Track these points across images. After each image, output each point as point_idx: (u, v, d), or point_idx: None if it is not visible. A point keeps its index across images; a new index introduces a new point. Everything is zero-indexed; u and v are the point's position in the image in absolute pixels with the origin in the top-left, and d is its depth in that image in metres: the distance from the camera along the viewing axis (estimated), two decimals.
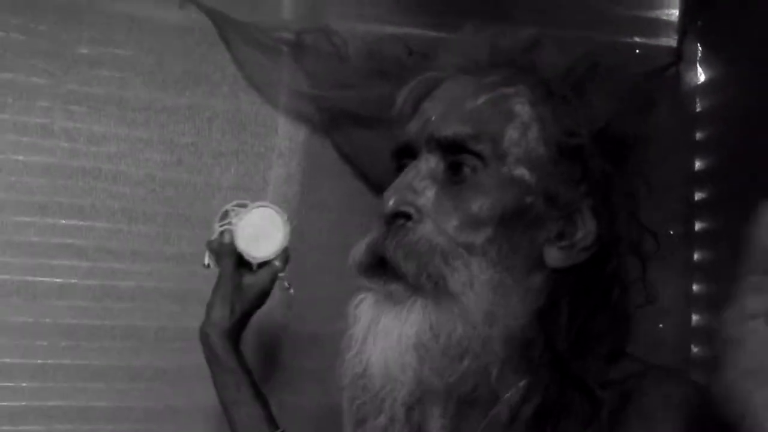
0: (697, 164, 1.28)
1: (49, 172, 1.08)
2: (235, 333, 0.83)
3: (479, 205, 0.51)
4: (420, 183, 0.53)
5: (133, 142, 1.11)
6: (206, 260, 0.86)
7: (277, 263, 0.84)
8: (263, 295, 0.84)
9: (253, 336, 1.06)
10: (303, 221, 1.11)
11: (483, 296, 0.49)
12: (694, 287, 1.25)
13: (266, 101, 1.15)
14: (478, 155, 0.52)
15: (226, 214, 0.86)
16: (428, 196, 0.53)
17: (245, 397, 0.81)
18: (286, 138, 1.15)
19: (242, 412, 0.81)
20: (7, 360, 1.04)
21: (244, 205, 0.86)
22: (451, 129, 0.53)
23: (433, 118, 0.55)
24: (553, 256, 0.52)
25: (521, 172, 0.52)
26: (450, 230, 0.51)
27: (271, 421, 0.82)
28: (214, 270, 0.85)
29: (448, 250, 0.50)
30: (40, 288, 1.06)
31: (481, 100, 0.53)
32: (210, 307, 0.82)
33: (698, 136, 1.28)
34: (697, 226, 1.28)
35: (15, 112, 1.07)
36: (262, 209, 0.86)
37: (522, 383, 0.52)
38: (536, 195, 0.52)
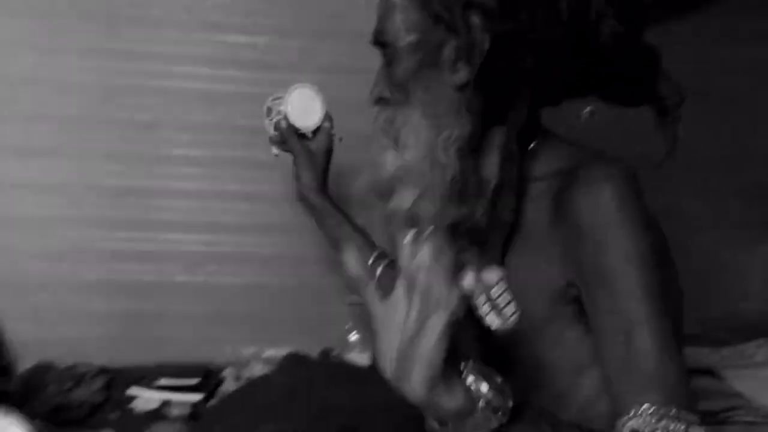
0: None
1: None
2: (323, 186, 1.04)
3: (397, 73, 0.76)
4: (382, 73, 0.80)
5: None
6: (274, 151, 1.06)
7: (326, 124, 1.04)
8: (328, 152, 1.05)
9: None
10: None
11: (420, 133, 0.75)
12: None
13: None
14: (386, 43, 0.77)
15: (269, 110, 1.05)
16: (386, 81, 0.79)
17: (346, 232, 1.02)
18: None
19: (347, 244, 1.01)
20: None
21: (279, 97, 1.04)
22: (373, 34, 0.79)
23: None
24: (458, 77, 0.74)
25: (411, 38, 0.75)
26: (396, 97, 0.77)
27: (372, 245, 1.02)
28: None
29: (397, 111, 0.77)
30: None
31: (382, 8, 0.78)
32: (297, 176, 1.03)
33: None
34: None
35: None
36: (298, 90, 1.03)
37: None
38: (426, 48, 0.74)
